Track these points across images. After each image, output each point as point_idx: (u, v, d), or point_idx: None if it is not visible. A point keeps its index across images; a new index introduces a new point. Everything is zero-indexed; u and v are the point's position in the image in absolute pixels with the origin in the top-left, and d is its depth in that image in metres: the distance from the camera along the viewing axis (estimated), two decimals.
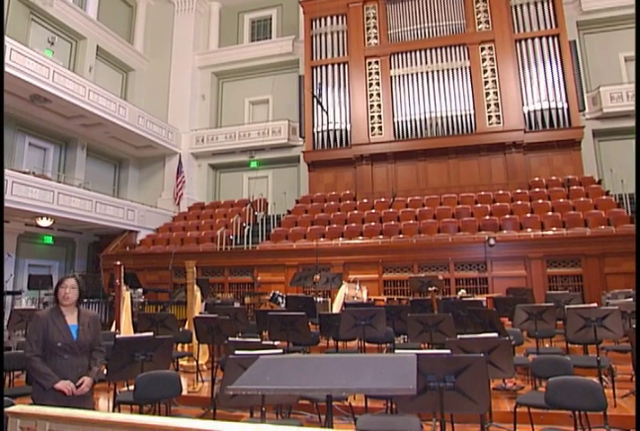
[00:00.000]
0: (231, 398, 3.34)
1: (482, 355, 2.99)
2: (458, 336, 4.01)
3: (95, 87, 14.03)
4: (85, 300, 12.69)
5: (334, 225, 12.88)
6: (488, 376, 3.14)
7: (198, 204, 16.87)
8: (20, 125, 13.99)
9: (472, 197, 13.22)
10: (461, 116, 14.15)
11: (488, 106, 14.07)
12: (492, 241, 10.31)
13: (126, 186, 17.60)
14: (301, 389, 2.22)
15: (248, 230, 13.77)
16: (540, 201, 12.28)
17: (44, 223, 12.52)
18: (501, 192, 13.18)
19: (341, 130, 15.18)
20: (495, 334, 4.13)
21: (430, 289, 7.46)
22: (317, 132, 15.41)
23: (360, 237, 12.07)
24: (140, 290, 10.40)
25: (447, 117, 14.24)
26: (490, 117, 14.00)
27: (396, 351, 3.56)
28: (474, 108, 14.11)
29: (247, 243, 13.03)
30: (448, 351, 3.21)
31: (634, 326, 5.58)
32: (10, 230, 12.96)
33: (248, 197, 15.86)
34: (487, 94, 14.16)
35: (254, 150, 16.87)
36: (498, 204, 12.60)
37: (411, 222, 12.39)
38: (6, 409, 1.66)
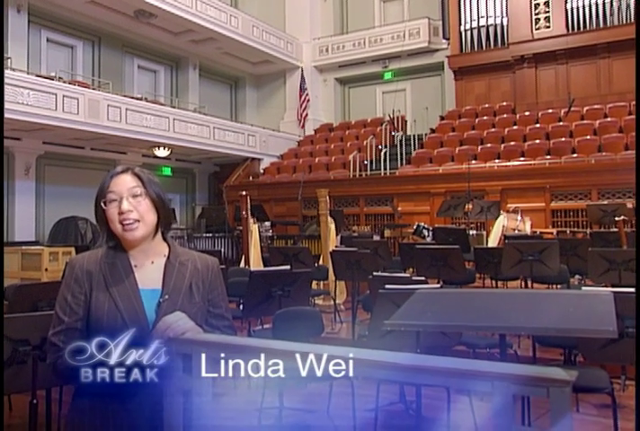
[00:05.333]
0: (380, 338, 3.42)
1: None
2: None
3: None
4: (209, 234, 13.55)
5: (489, 145, 12.58)
6: None
7: (325, 125, 17.07)
8: (126, 46, 14.84)
9: None
10: None
11: None
12: None
13: (244, 108, 18.20)
14: (470, 326, 2.19)
15: (385, 153, 13.72)
16: None
17: (161, 153, 13.46)
18: None
19: (495, 26, 14.43)
20: None
21: (616, 219, 7.00)
22: (465, 30, 14.82)
23: (522, 158, 11.70)
24: (268, 223, 10.95)
25: None
26: None
27: (584, 289, 3.39)
28: None
29: (384, 169, 13.07)
30: None
31: None
32: (128, 162, 14.05)
33: (383, 115, 15.75)
34: None
35: (388, 58, 16.57)
36: None
37: (588, 137, 11.77)
38: None
